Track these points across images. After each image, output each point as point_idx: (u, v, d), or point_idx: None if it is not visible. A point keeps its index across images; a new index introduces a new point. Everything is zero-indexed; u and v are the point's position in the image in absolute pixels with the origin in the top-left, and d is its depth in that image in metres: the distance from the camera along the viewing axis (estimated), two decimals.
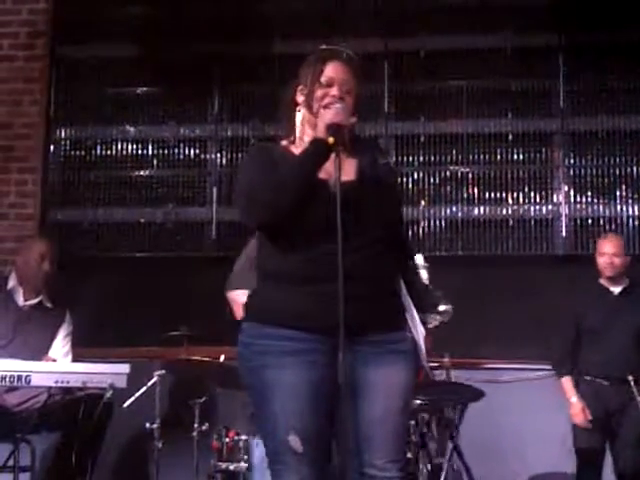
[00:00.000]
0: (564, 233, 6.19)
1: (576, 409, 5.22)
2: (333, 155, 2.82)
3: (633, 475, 5.12)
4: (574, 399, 5.24)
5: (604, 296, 5.39)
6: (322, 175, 2.85)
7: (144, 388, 5.14)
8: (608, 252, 5.36)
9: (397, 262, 3.04)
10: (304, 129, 3.03)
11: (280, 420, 2.83)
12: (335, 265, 2.68)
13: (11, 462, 4.79)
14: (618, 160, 6.28)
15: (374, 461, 2.85)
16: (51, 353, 5.06)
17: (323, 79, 2.99)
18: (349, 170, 2.95)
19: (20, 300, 5.11)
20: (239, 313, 3.86)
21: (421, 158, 6.37)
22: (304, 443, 2.80)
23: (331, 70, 3.00)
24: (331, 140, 2.79)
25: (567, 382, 5.32)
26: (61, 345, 5.12)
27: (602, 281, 5.43)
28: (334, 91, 2.97)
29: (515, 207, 6.29)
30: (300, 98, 3.06)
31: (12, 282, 5.15)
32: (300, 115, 3.06)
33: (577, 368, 5.32)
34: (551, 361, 5.44)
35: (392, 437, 2.89)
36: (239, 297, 3.84)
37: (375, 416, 2.86)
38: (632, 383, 5.05)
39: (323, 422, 2.80)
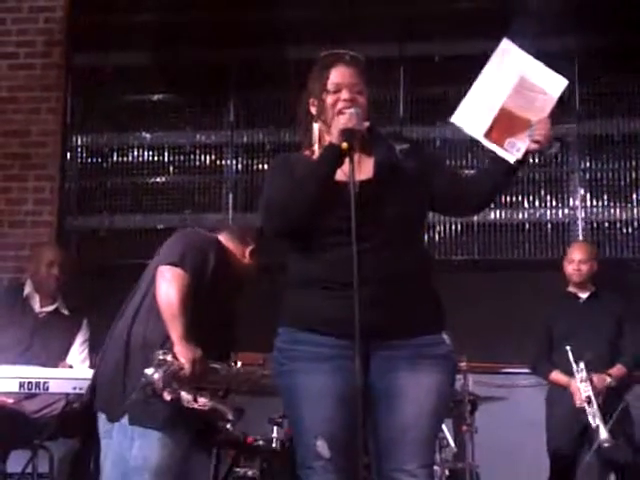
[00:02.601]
0: (580, 237, 6.17)
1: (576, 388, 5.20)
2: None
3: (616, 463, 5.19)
4: (572, 381, 5.22)
5: (572, 303, 5.51)
6: (341, 177, 2.82)
7: None
8: (576, 259, 5.46)
9: (425, 257, 3.02)
10: (323, 140, 2.99)
11: (308, 425, 2.84)
12: (359, 268, 2.68)
13: (29, 469, 4.81)
14: (634, 163, 6.27)
15: (404, 466, 2.82)
16: (68, 359, 5.07)
17: (330, 86, 2.95)
18: (366, 168, 2.94)
19: (37, 307, 5.13)
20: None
21: None
22: (331, 449, 2.79)
23: (336, 75, 2.96)
24: (345, 145, 2.77)
25: (557, 374, 5.35)
26: (78, 352, 5.13)
27: (570, 288, 5.53)
28: (344, 95, 2.93)
29: (531, 211, 6.28)
30: (313, 110, 3.03)
31: (28, 289, 5.17)
32: (317, 127, 3.03)
33: None
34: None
35: (423, 442, 2.86)
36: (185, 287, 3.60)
37: (405, 421, 2.83)
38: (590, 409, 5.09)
39: (352, 428, 2.74)
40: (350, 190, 2.74)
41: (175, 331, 3.53)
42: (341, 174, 2.82)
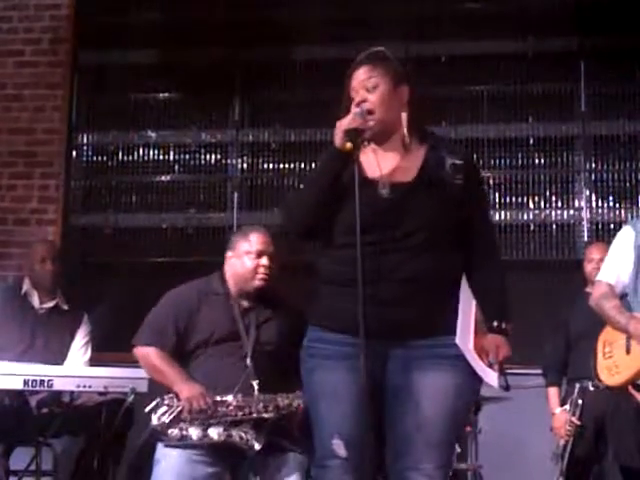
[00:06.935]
0: (586, 238, 6.16)
1: (559, 421, 5.22)
2: (380, 156, 2.89)
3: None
4: (557, 410, 5.27)
5: (588, 302, 5.44)
6: (373, 175, 2.87)
7: None
8: (596, 258, 5.39)
9: (451, 263, 2.97)
10: None
11: (325, 424, 2.87)
12: (377, 266, 2.72)
13: (33, 466, 4.82)
14: None
15: (419, 465, 2.82)
16: (69, 354, 5.07)
17: (351, 92, 2.98)
18: (409, 171, 2.93)
19: (36, 303, 5.13)
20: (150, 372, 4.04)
21: None
22: (348, 448, 2.80)
23: (354, 80, 2.98)
24: (349, 146, 2.79)
25: (553, 393, 5.36)
26: (79, 346, 5.13)
27: (588, 289, 5.43)
28: (357, 98, 2.95)
29: (536, 212, 6.27)
30: None
31: (26, 286, 5.16)
32: None
33: (568, 375, 5.36)
34: (542, 368, 5.47)
35: (438, 443, 2.86)
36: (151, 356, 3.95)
37: (421, 420, 2.83)
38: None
39: (368, 428, 2.75)
40: (380, 188, 2.84)
41: (168, 382, 3.82)
42: (372, 172, 2.88)
